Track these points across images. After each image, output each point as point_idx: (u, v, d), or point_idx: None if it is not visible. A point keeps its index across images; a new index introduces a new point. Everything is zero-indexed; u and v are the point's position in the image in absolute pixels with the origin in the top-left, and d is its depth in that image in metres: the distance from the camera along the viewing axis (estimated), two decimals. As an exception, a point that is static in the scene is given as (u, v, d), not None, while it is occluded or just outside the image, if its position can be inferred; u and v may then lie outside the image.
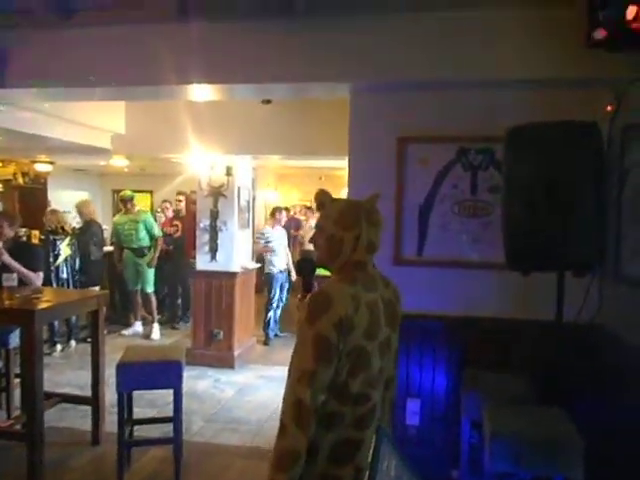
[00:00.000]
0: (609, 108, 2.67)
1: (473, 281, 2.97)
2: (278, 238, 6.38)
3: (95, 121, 4.92)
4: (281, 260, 6.38)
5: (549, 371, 2.52)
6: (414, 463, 1.26)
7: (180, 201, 7.06)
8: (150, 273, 6.40)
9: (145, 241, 6.36)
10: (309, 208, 8.79)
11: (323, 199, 1.57)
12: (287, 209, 8.18)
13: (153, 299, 6.48)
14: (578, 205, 2.11)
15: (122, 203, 6.44)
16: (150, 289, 6.43)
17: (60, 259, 5.64)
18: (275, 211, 6.60)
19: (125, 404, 2.95)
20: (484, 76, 2.68)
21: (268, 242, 6.27)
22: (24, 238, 7.28)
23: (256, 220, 10.06)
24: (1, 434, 3.15)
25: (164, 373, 2.84)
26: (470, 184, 2.99)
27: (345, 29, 2.79)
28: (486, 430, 2.21)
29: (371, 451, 0.92)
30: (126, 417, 3.12)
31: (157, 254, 6.43)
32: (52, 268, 5.53)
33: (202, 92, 3.25)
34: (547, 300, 2.48)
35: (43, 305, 2.91)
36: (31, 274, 3.48)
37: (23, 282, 3.44)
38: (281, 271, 6.38)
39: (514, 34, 2.59)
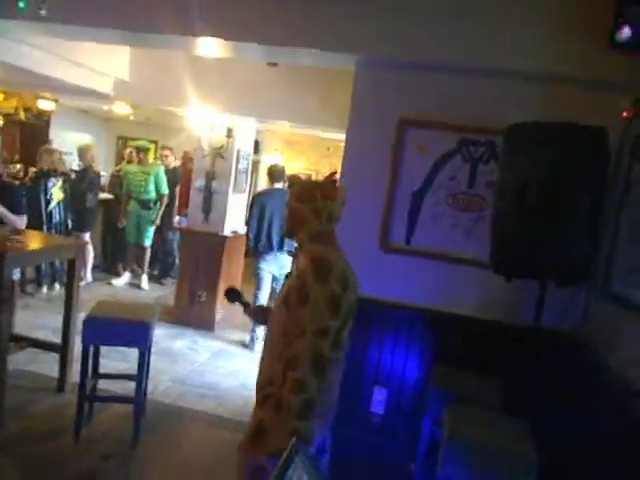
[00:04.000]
0: (625, 114, 2.52)
1: (457, 277, 2.88)
2: None
3: (98, 64, 4.75)
4: None
5: (521, 378, 2.46)
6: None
7: (166, 156, 6.89)
8: (151, 227, 6.35)
9: (152, 195, 6.27)
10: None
11: (293, 181, 1.86)
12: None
13: (148, 253, 6.46)
14: (570, 214, 1.99)
15: (136, 153, 6.35)
16: (148, 243, 6.40)
17: (53, 203, 5.53)
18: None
19: (90, 357, 2.91)
20: (495, 63, 2.53)
21: None
22: (21, 174, 7.25)
23: (259, 183, 9.96)
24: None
25: (131, 332, 2.79)
26: (468, 176, 2.87)
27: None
28: (444, 431, 2.16)
29: (279, 463, 0.87)
30: (92, 371, 3.11)
31: (161, 211, 6.35)
32: (43, 211, 5.44)
33: (209, 47, 3.10)
34: (530, 305, 2.39)
35: (15, 249, 2.83)
36: (14, 217, 3.40)
37: (2, 222, 3.36)
38: None
39: (532, 22, 2.43)
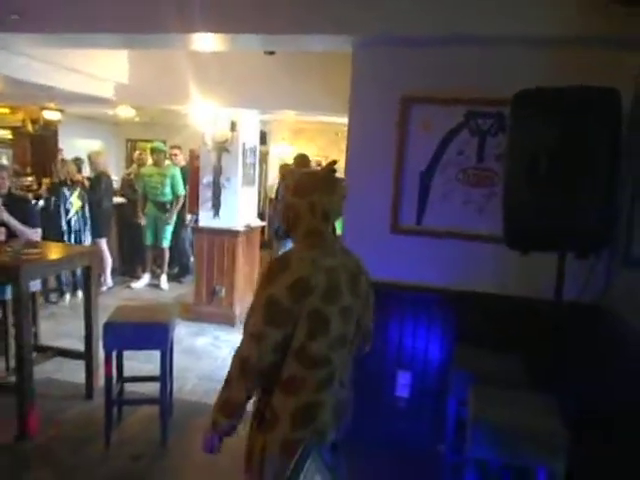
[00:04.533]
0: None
1: (473, 254, 2.82)
2: None
3: (97, 70, 4.74)
4: None
5: (545, 353, 2.40)
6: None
7: (176, 155, 6.87)
8: (169, 228, 6.38)
9: (168, 196, 6.29)
10: (320, 165, 8.58)
11: (285, 172, 1.64)
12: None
13: (167, 253, 6.50)
14: (586, 180, 1.91)
15: (151, 154, 6.36)
16: (166, 244, 6.43)
17: (71, 212, 5.61)
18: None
19: (114, 362, 2.94)
20: (494, 31, 2.44)
21: None
22: (34, 186, 7.35)
23: (270, 175, 9.93)
24: (-8, 386, 3.19)
25: (150, 334, 2.81)
26: (477, 150, 2.79)
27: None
28: (469, 412, 2.13)
29: (292, 464, 0.86)
30: (117, 375, 3.14)
31: (176, 211, 6.37)
32: (62, 221, 5.52)
33: (205, 42, 3.06)
34: (550, 278, 2.33)
35: (30, 261, 2.86)
36: (28, 231, 3.44)
37: (16, 235, 3.40)
38: None
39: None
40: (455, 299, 2.84)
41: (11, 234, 3.41)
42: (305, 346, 1.40)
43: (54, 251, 3.42)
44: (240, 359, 1.42)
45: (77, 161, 6.47)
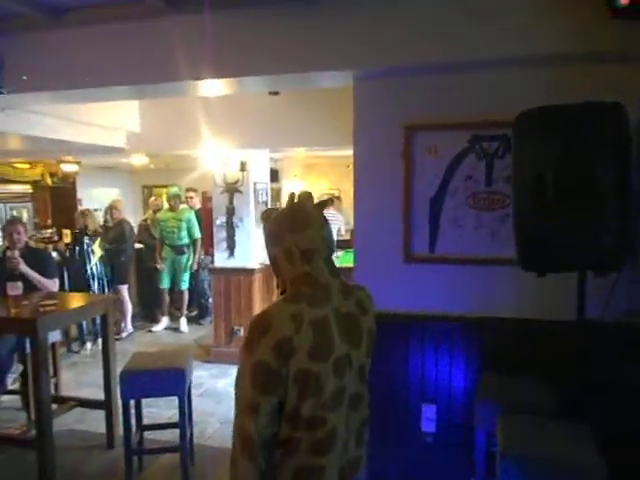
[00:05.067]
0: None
1: (491, 279, 2.75)
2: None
3: (109, 121, 4.90)
4: None
5: (573, 377, 2.30)
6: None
7: (192, 198, 7.01)
8: (187, 271, 6.47)
9: (185, 240, 6.41)
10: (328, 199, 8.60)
11: (264, 218, 1.48)
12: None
13: (186, 296, 6.55)
14: (595, 199, 1.86)
15: (168, 200, 6.51)
16: (185, 286, 6.50)
17: (93, 261, 5.70)
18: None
19: (132, 411, 2.91)
20: (493, 53, 2.44)
21: None
22: (55, 238, 7.52)
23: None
24: (13, 441, 3.17)
25: (167, 381, 2.77)
26: (485, 174, 2.76)
27: (343, 13, 2.61)
28: (498, 445, 2.03)
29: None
30: (136, 423, 3.10)
31: (197, 256, 6.46)
32: (85, 270, 5.62)
33: (212, 87, 3.14)
34: (571, 298, 2.24)
35: (46, 313, 2.88)
36: (47, 281, 3.50)
37: (36, 288, 3.45)
38: None
39: (526, 3, 2.34)
40: (475, 326, 2.76)
41: (29, 287, 3.46)
42: (297, 408, 1.25)
43: (71, 301, 3.45)
44: (241, 439, 1.25)
45: (95, 211, 6.64)
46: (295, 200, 1.43)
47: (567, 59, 2.46)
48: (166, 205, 6.64)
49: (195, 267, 6.45)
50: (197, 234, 6.39)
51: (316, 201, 1.50)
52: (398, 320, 2.86)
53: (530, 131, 2.00)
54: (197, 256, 6.43)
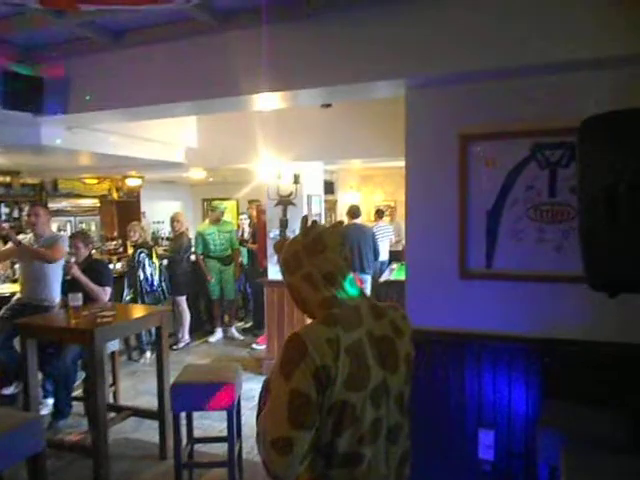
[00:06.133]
0: None
1: (554, 297, 2.56)
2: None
3: (169, 137, 5.07)
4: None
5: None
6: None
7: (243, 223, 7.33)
8: (233, 281, 6.67)
9: (229, 251, 6.63)
10: (378, 211, 8.65)
11: (277, 248, 1.41)
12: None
13: (234, 305, 6.83)
14: (675, 211, 1.67)
15: (213, 214, 6.76)
16: (233, 296, 6.71)
17: (151, 271, 5.88)
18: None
19: (181, 423, 2.92)
20: (552, 58, 2.29)
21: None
22: (120, 249, 7.86)
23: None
24: (71, 447, 3.27)
25: (216, 395, 2.76)
26: (548, 184, 2.58)
27: (395, 20, 2.55)
28: (563, 481, 1.85)
29: None
30: (187, 436, 3.12)
31: (239, 264, 6.75)
32: (143, 281, 5.81)
33: (268, 101, 3.17)
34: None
35: (103, 324, 2.97)
36: (97, 288, 3.64)
37: (92, 299, 3.58)
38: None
39: (583, 6, 2.18)
40: (537, 347, 2.57)
41: (88, 298, 3.59)
42: (332, 443, 1.15)
43: (128, 313, 3.55)
44: (270, 475, 1.15)
45: (157, 223, 6.93)
46: (309, 223, 1.36)
47: (633, 61, 2.26)
48: (208, 219, 6.92)
49: (238, 275, 6.77)
50: (237, 244, 6.75)
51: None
52: (453, 339, 2.72)
53: (600, 138, 1.83)
54: (238, 264, 6.77)
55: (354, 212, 6.49)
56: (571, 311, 2.53)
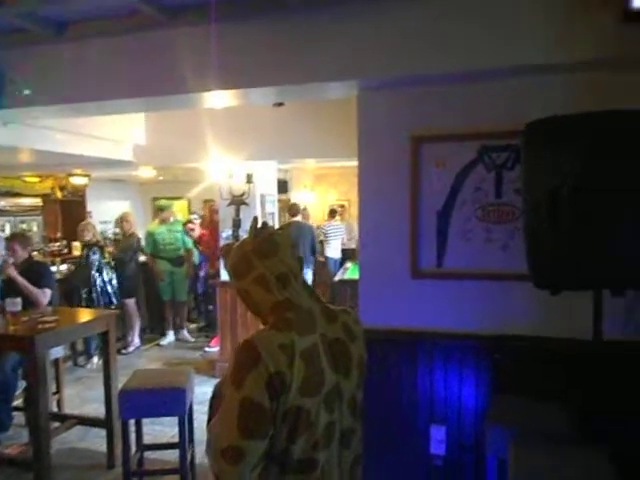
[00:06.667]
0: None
1: (502, 295, 2.64)
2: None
3: (115, 134, 4.89)
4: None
5: (591, 399, 2.18)
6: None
7: (192, 229, 6.99)
8: (185, 282, 6.51)
9: (181, 251, 6.45)
10: (331, 211, 8.81)
11: (224, 253, 1.37)
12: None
13: (186, 307, 6.68)
14: (613, 213, 1.75)
15: (160, 213, 6.57)
16: (184, 298, 6.57)
17: (98, 273, 5.67)
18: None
19: (131, 429, 2.83)
20: (503, 63, 2.35)
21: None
22: (64, 250, 7.53)
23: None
24: (11, 461, 3.10)
25: (166, 401, 2.69)
26: (495, 186, 2.66)
27: (346, 22, 2.55)
28: (510, 473, 1.91)
29: None
30: (136, 442, 3.02)
31: (191, 264, 6.57)
32: (96, 283, 5.59)
33: (219, 99, 3.09)
34: (588, 316, 2.13)
35: (45, 330, 2.82)
36: (36, 290, 3.48)
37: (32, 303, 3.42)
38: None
39: (535, 11, 2.26)
40: (488, 344, 2.64)
41: (28, 303, 3.42)
42: (286, 450, 1.13)
43: (72, 317, 3.40)
44: None
45: (104, 224, 6.68)
46: (259, 225, 1.32)
47: (578, 67, 2.36)
48: (158, 219, 6.72)
49: (191, 274, 6.59)
50: (190, 244, 6.53)
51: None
52: (405, 337, 2.75)
53: (542, 141, 1.90)
54: (191, 264, 6.59)
55: (294, 210, 6.78)
56: (519, 308, 2.61)
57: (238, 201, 5.02)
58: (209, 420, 1.25)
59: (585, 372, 2.20)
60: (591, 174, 1.80)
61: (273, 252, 1.26)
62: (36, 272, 3.65)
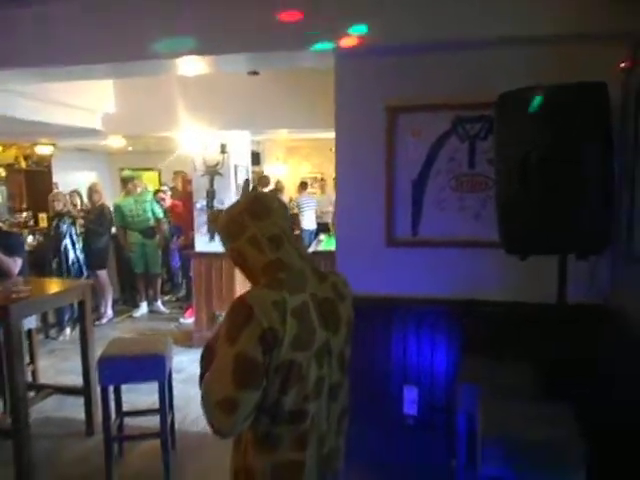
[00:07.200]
0: (623, 65, 2.37)
1: (474, 262, 2.74)
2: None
3: (83, 101, 4.75)
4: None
5: (555, 360, 2.31)
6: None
7: (163, 199, 6.96)
8: (158, 254, 6.46)
9: (151, 222, 6.34)
10: (302, 184, 8.96)
11: (213, 219, 1.38)
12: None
13: (159, 279, 6.61)
14: (580, 180, 1.85)
15: (124, 184, 6.41)
16: (158, 270, 6.52)
17: (70, 244, 5.57)
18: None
19: (111, 397, 2.86)
20: (479, 35, 2.40)
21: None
22: (30, 222, 7.34)
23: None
24: (-12, 430, 3.11)
25: (146, 366, 2.73)
26: (468, 156, 2.73)
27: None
28: (479, 427, 2.03)
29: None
30: (115, 410, 3.06)
31: (163, 235, 6.49)
32: (61, 254, 5.50)
33: (189, 65, 3.02)
34: (554, 281, 2.25)
35: (19, 300, 2.80)
36: (6, 259, 3.42)
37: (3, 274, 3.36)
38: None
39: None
40: (458, 309, 2.76)
41: (1, 274, 3.37)
42: (278, 402, 1.18)
43: (46, 287, 3.36)
44: (213, 430, 1.17)
45: (74, 193, 6.52)
46: (251, 188, 1.36)
47: (548, 40, 2.43)
48: (124, 191, 6.66)
49: (162, 245, 6.52)
50: (160, 214, 6.43)
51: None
52: (380, 304, 2.84)
53: (513, 112, 1.97)
54: (163, 235, 6.51)
55: (265, 182, 7.00)
56: (490, 274, 2.72)
57: (212, 172, 4.98)
58: (202, 376, 1.30)
59: (549, 333, 2.32)
60: (555, 143, 1.88)
61: (266, 214, 1.28)
62: (6, 241, 3.57)
